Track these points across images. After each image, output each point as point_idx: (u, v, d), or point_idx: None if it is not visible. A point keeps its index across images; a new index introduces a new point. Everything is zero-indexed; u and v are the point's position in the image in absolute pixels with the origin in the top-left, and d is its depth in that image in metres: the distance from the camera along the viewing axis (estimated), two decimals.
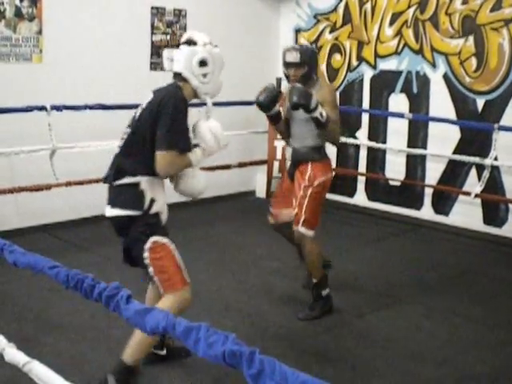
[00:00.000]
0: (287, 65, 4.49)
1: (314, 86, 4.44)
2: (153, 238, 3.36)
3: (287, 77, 4.54)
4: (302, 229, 4.52)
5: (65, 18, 6.48)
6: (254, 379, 1.51)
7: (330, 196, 8.25)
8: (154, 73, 7.26)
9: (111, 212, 3.49)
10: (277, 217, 4.79)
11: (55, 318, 4.49)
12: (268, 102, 4.45)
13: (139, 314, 1.82)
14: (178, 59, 3.60)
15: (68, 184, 6.21)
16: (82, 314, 4.47)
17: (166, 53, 3.69)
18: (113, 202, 3.48)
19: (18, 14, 6.12)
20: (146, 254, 3.35)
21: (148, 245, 3.35)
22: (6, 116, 5.80)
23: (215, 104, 7.79)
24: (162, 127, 3.33)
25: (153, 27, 7.25)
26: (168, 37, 7.36)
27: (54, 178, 6.01)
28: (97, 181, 6.42)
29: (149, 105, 3.50)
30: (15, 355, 2.28)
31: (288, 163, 4.76)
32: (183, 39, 3.68)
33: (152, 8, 7.22)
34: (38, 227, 6.40)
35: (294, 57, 4.43)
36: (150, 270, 3.36)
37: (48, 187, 6.09)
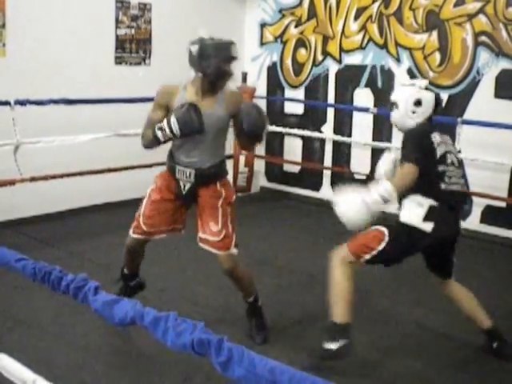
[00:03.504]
0: (231, 59, 3.83)
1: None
2: None
3: (227, 74, 3.83)
4: (234, 250, 4.00)
5: (28, 12, 6.40)
6: (222, 367, 1.52)
7: (296, 190, 8.30)
8: (118, 67, 7.21)
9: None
10: (151, 234, 4.10)
11: (20, 314, 4.45)
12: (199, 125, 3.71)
13: (107, 304, 1.82)
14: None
15: (32, 179, 6.15)
16: (47, 310, 4.44)
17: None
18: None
19: None
20: None
21: None
22: None
23: None
24: None
25: (117, 21, 7.20)
26: (133, 31, 7.31)
27: (18, 174, 5.95)
28: (61, 176, 6.39)
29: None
30: None
31: (185, 185, 3.99)
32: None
33: (116, 2, 7.16)
34: (3, 223, 6.33)
35: (236, 51, 3.88)
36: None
37: (12, 183, 6.02)
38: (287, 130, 8.02)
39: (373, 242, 3.80)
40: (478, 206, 6.76)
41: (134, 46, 7.32)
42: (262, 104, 8.31)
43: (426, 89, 3.99)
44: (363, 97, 7.55)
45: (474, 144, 6.53)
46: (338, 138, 7.71)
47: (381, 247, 3.76)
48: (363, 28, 7.48)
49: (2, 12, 6.19)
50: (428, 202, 3.75)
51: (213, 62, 3.73)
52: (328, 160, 7.99)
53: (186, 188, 3.98)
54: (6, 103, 5.90)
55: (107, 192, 7.13)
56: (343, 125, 7.79)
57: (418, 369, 3.89)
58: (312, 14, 7.92)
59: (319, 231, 6.80)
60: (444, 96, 6.88)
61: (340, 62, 7.75)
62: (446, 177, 3.79)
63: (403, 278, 5.38)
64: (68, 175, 6.40)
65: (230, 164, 8.03)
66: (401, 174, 3.73)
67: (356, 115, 7.65)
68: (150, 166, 6.33)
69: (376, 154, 7.48)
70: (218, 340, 1.55)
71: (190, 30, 7.87)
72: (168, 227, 4.13)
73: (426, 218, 3.73)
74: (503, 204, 6.58)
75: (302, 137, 8.11)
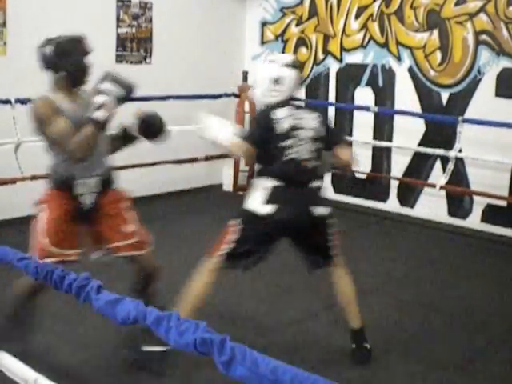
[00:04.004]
0: (87, 53, 3.67)
1: None
2: None
3: (88, 69, 3.66)
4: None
5: (29, 10, 6.40)
6: (225, 366, 1.52)
7: None
8: (119, 65, 7.21)
9: (321, 211, 3.75)
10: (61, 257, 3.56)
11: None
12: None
13: (110, 304, 1.82)
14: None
15: (33, 178, 6.14)
16: (49, 308, 4.43)
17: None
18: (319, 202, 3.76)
19: None
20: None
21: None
22: None
23: (181, 97, 7.81)
24: None
25: (118, 20, 7.20)
26: (134, 29, 7.32)
27: (19, 172, 5.95)
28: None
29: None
30: None
31: (85, 198, 3.61)
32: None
33: (117, 0, 7.17)
34: (4, 222, 6.33)
35: (88, 45, 3.71)
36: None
37: (13, 181, 6.03)
38: None
39: (225, 237, 3.73)
40: (478, 204, 6.76)
41: (134, 45, 7.32)
42: None
43: (289, 66, 3.81)
44: (364, 96, 7.54)
45: (475, 143, 6.53)
46: None
47: (233, 238, 3.70)
48: (364, 27, 7.48)
49: (3, 10, 6.18)
50: (271, 183, 3.64)
51: (74, 57, 3.56)
52: None
53: (88, 202, 3.61)
54: (7, 102, 5.91)
55: None
56: (344, 124, 7.78)
57: (418, 369, 3.90)
58: (313, 12, 7.92)
59: None
60: (445, 95, 6.89)
61: (341, 60, 7.74)
62: (290, 151, 3.65)
63: (403, 278, 5.39)
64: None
65: (230, 163, 8.08)
66: (237, 145, 3.66)
67: (357, 114, 7.65)
68: (153, 164, 6.34)
69: (377, 153, 7.50)
70: (221, 339, 1.55)
71: (191, 28, 7.93)
72: (76, 251, 3.60)
73: (268, 201, 3.61)
74: (504, 203, 6.58)
75: None
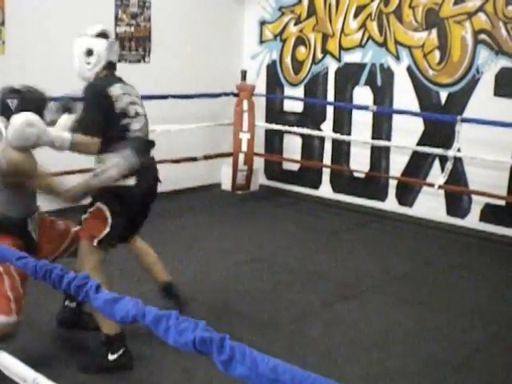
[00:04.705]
0: None
1: None
2: None
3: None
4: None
5: (28, 9, 6.39)
6: (224, 365, 1.52)
7: (295, 188, 8.30)
8: (118, 64, 7.19)
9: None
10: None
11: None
12: None
13: (109, 303, 1.82)
14: None
15: None
16: (48, 311, 4.43)
17: None
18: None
19: None
20: None
21: None
22: None
23: (180, 96, 7.81)
24: None
25: (117, 19, 7.19)
26: (132, 28, 7.31)
27: None
28: (63, 173, 6.38)
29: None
30: None
31: (34, 231, 3.65)
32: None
33: None
34: None
35: None
36: None
37: None
38: (287, 128, 8.01)
39: (99, 224, 3.73)
40: (477, 204, 6.76)
41: (133, 44, 7.31)
42: (262, 102, 8.32)
43: (100, 36, 3.90)
44: (363, 95, 7.54)
45: (474, 142, 6.53)
46: (338, 136, 7.70)
47: (108, 223, 3.72)
48: (363, 26, 7.47)
49: (2, 9, 6.18)
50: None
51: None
52: (327, 158, 7.98)
53: (35, 234, 3.64)
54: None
55: None
56: (343, 123, 7.78)
57: (416, 367, 3.90)
58: (311, 11, 7.91)
59: (318, 229, 6.81)
60: (444, 94, 6.89)
61: (339, 60, 7.74)
62: (132, 130, 3.77)
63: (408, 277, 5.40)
64: (69, 173, 6.40)
65: (229, 162, 8.08)
66: (85, 144, 3.61)
67: (355, 113, 7.65)
68: (157, 163, 6.31)
69: (375, 153, 7.50)
70: (220, 338, 1.55)
71: (190, 27, 7.93)
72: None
73: (128, 175, 3.67)
74: (503, 202, 6.58)
75: (302, 135, 8.10)
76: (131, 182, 3.72)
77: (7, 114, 3.41)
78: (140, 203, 3.93)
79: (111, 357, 3.67)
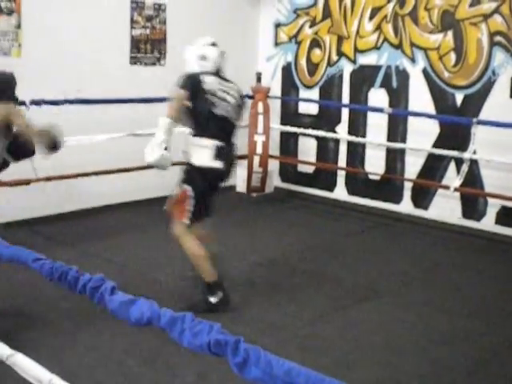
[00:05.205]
0: None
1: None
2: None
3: None
4: None
5: (44, 12, 6.43)
6: (239, 368, 1.52)
7: (310, 190, 8.30)
8: (133, 67, 7.23)
9: None
10: None
11: (35, 313, 4.48)
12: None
13: (124, 305, 1.82)
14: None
15: (47, 179, 6.17)
16: (62, 309, 4.46)
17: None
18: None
19: None
20: None
21: None
22: None
23: None
24: None
25: (132, 21, 7.22)
26: (148, 31, 7.33)
27: (33, 173, 5.97)
28: (76, 176, 6.42)
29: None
30: None
31: None
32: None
33: (131, 2, 7.19)
34: (18, 222, 6.36)
35: None
36: None
37: (27, 182, 6.05)
38: (301, 130, 8.02)
39: (183, 203, 4.41)
40: (493, 207, 6.72)
41: (148, 47, 7.33)
42: (277, 104, 8.32)
43: (211, 45, 4.64)
44: (378, 97, 7.52)
45: (490, 144, 6.49)
46: (353, 138, 7.69)
47: (192, 201, 4.39)
48: (378, 28, 7.46)
49: (18, 13, 6.22)
50: (212, 144, 4.40)
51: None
52: (342, 160, 7.97)
53: None
54: (22, 103, 5.92)
55: (123, 192, 7.14)
56: (358, 125, 7.77)
57: (429, 371, 3.88)
58: (327, 13, 7.91)
59: (333, 231, 6.80)
60: (459, 96, 6.86)
61: (355, 62, 7.73)
62: (219, 111, 4.47)
63: (413, 277, 5.38)
64: (83, 175, 6.43)
65: (244, 164, 8.08)
66: (170, 101, 4.39)
67: (371, 115, 7.63)
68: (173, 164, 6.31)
69: (390, 155, 7.48)
70: (235, 341, 1.55)
71: (205, 30, 7.92)
72: None
73: (215, 158, 4.39)
74: None
75: (317, 137, 8.09)
76: (219, 164, 4.38)
77: None
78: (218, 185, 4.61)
79: (212, 299, 4.47)
